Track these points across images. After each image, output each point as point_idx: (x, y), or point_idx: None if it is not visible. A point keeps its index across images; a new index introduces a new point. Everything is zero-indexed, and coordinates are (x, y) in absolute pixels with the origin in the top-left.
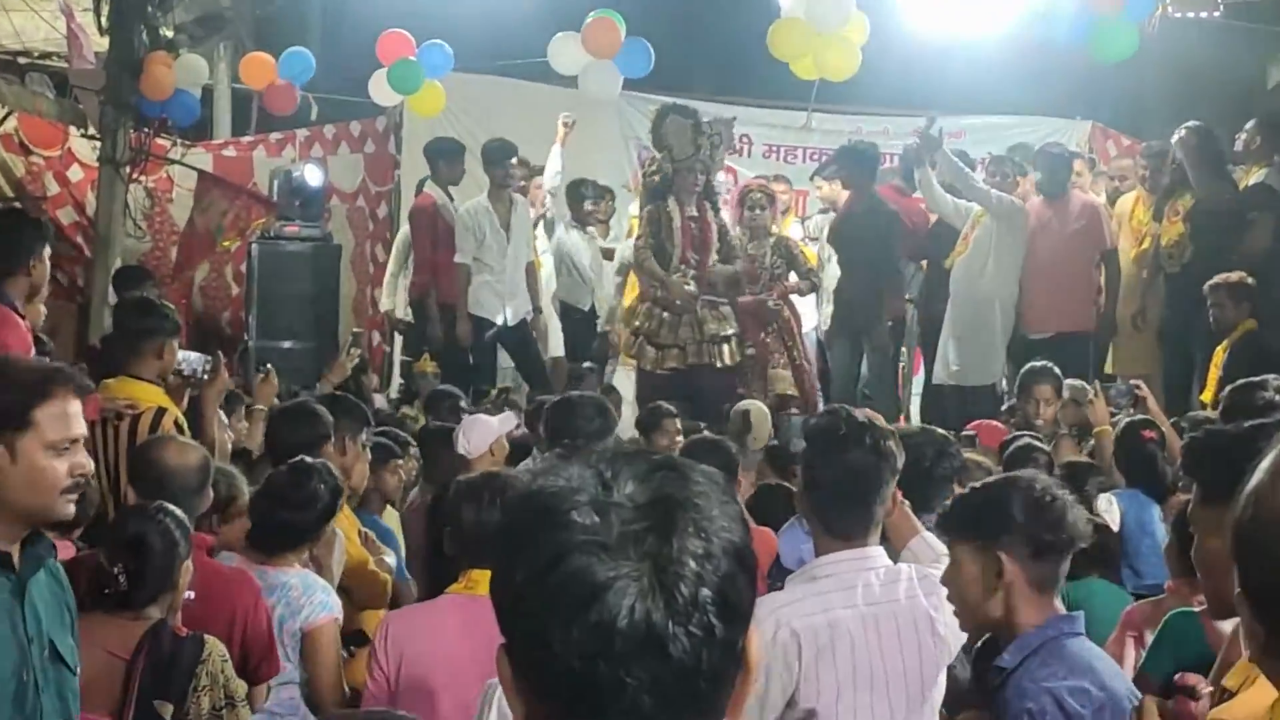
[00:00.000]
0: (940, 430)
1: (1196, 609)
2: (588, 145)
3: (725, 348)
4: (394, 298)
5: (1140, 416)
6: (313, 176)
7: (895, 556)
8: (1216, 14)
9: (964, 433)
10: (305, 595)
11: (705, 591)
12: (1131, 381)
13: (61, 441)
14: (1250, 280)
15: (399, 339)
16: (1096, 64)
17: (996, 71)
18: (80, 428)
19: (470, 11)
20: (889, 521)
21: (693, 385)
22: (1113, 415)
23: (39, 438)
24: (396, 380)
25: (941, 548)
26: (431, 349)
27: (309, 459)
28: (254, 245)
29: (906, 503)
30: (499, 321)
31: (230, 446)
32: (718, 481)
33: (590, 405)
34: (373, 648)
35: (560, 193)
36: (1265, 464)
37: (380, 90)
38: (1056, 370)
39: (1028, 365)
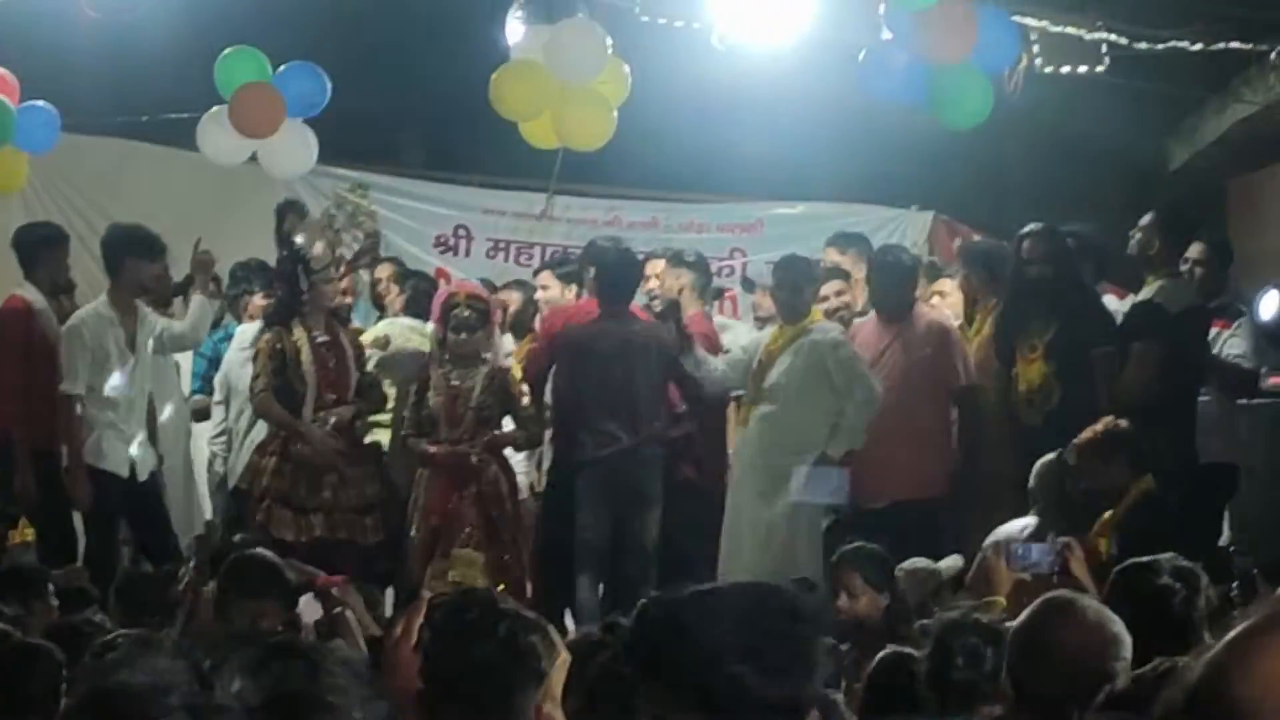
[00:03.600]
0: None
1: None
2: (246, 229)
3: (369, 519)
4: None
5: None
6: None
7: None
8: (1100, 69)
9: None
10: None
11: None
12: (1060, 539)
13: None
14: (1122, 424)
15: None
16: (940, 133)
17: (804, 143)
18: None
19: (81, 51)
20: None
21: (335, 565)
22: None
23: None
24: None
25: None
26: (28, 510)
27: None
28: None
29: None
30: (125, 476)
31: None
32: (359, 672)
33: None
34: None
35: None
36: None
37: None
38: (876, 550)
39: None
